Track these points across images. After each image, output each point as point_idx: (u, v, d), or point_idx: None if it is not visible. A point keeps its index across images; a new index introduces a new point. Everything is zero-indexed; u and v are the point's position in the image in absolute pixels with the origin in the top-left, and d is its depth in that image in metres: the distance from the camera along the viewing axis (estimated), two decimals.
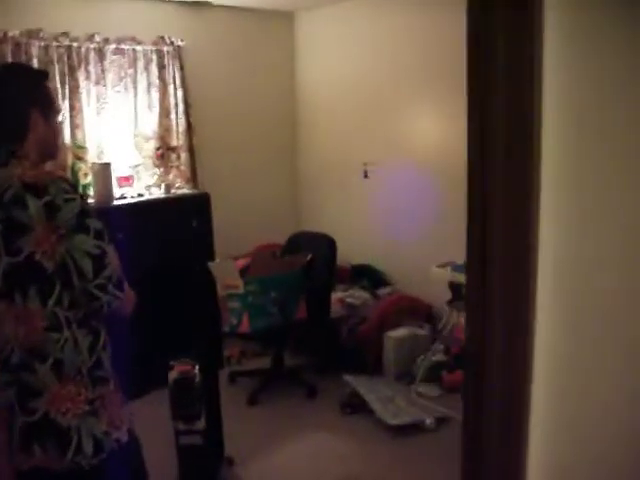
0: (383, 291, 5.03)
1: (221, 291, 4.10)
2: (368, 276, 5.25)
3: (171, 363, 3.08)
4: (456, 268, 3.98)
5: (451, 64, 4.55)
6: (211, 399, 3.32)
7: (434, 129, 4.78)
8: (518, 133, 1.51)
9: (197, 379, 3.04)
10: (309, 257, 4.34)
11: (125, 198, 4.40)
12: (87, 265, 1.71)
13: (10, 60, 4.03)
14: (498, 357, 1.61)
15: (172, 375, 3.03)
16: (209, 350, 3.65)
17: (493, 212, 1.59)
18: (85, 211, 1.74)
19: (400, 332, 4.52)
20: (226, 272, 4.06)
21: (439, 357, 4.41)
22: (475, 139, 1.64)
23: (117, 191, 4.41)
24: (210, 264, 4.17)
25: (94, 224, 1.75)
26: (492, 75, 1.53)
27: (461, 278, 3.87)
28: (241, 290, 3.97)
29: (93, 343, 1.81)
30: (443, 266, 4.08)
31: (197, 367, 3.06)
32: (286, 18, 5.67)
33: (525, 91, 1.47)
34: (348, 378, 4.30)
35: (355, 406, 4.06)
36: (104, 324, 1.87)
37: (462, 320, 4.31)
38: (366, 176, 5.34)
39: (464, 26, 1.57)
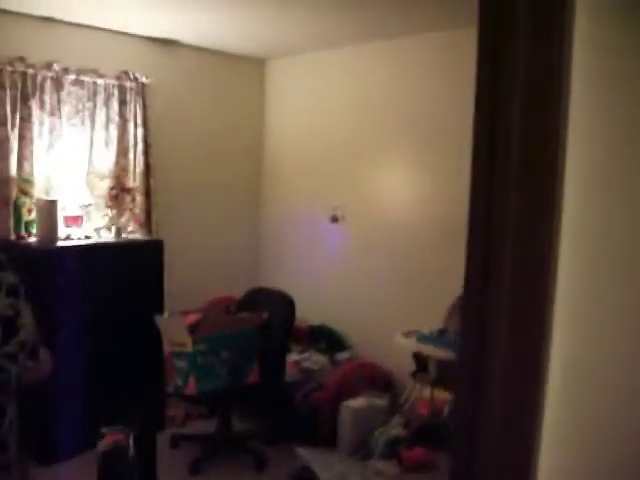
0: (341, 356, 4.74)
1: (167, 348, 3.76)
2: (326, 338, 4.96)
3: (102, 430, 2.71)
4: (421, 338, 3.75)
5: (423, 117, 4.51)
6: (147, 470, 2.96)
7: (407, 185, 4.61)
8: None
9: (130, 450, 2.68)
10: (265, 316, 4.04)
11: (71, 239, 4.06)
12: None
13: None
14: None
15: (102, 445, 2.67)
16: (148, 414, 3.30)
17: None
18: None
19: (358, 402, 4.21)
20: (174, 328, 3.73)
21: (398, 431, 4.10)
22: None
23: (63, 231, 4.07)
24: (157, 318, 3.83)
25: (7, 278, 1.43)
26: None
27: (427, 349, 3.64)
28: (189, 349, 3.64)
29: None
30: (407, 335, 3.82)
31: (131, 436, 2.70)
32: (257, 64, 5.49)
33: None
34: (300, 450, 3.96)
35: None
36: (12, 397, 1.53)
37: (425, 394, 4.06)
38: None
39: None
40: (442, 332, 3.94)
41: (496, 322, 1.49)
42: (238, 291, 4.87)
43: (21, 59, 3.96)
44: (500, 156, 1.43)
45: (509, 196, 1.39)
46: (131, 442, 2.67)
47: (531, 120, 1.38)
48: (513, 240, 1.39)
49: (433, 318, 4.06)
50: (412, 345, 3.73)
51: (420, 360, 3.79)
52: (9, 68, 3.92)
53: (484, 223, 1.46)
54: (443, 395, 4.04)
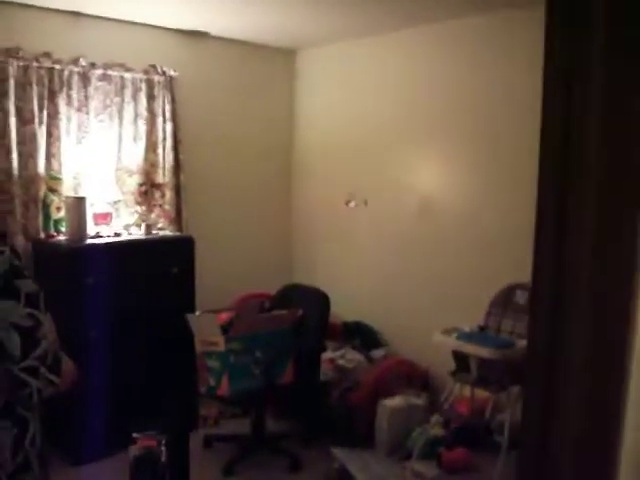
0: (377, 353, 4.61)
1: (199, 347, 3.67)
2: (361, 335, 4.83)
3: (134, 435, 2.63)
4: (462, 336, 3.58)
5: (456, 109, 4.36)
6: (180, 475, 2.88)
7: (447, 177, 4.47)
8: None
9: (163, 456, 2.59)
10: (299, 313, 3.93)
11: (100, 237, 3.98)
12: (13, 341, 1.28)
13: None
14: None
15: (133, 450, 2.58)
16: (181, 418, 3.21)
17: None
18: (15, 269, 1.31)
19: (395, 401, 4.09)
20: (206, 327, 3.63)
21: (437, 431, 3.97)
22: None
23: (92, 229, 4.00)
24: (189, 316, 3.75)
25: (26, 287, 1.32)
26: None
27: (468, 347, 3.48)
28: (222, 348, 3.54)
29: (18, 437, 1.37)
30: (447, 332, 3.67)
31: (164, 442, 2.61)
32: (287, 55, 5.36)
33: None
34: (336, 451, 3.85)
35: None
36: (35, 412, 1.43)
37: (465, 393, 3.91)
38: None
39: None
40: (482, 329, 3.79)
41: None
42: (270, 288, 4.77)
43: (47, 55, 3.90)
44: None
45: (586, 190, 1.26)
46: (163, 448, 2.59)
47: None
48: (591, 236, 1.26)
49: (472, 314, 3.92)
50: (452, 343, 3.58)
51: (460, 359, 3.64)
52: (35, 64, 3.86)
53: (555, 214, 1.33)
54: (484, 395, 3.90)
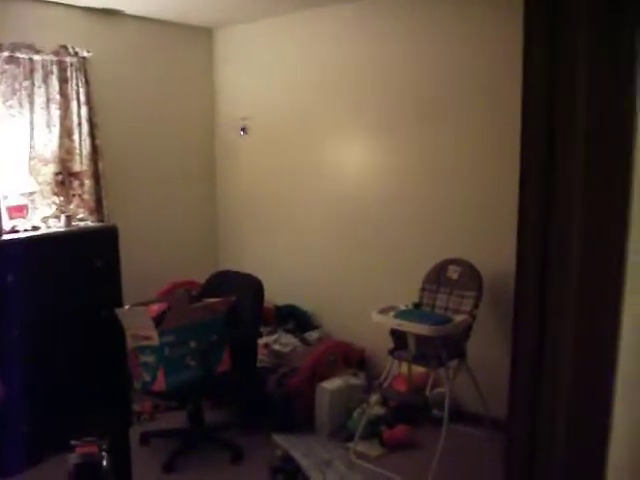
0: (312, 336, 4.57)
1: (131, 343, 3.52)
2: (294, 318, 4.78)
3: (72, 442, 2.48)
4: (399, 315, 3.58)
5: (379, 85, 4.34)
6: (121, 477, 2.75)
7: (374, 157, 4.44)
8: None
9: (104, 462, 2.46)
10: (233, 299, 3.83)
11: (17, 231, 3.74)
12: None
13: None
14: None
15: (72, 458, 2.44)
16: (117, 416, 3.07)
17: None
18: None
19: (335, 383, 4.07)
20: (138, 320, 3.48)
21: (377, 410, 3.98)
22: None
23: (7, 223, 3.75)
24: (118, 311, 3.58)
25: None
26: None
27: (406, 326, 3.48)
28: (156, 342, 3.40)
29: None
30: (384, 312, 3.66)
31: (104, 447, 2.48)
32: (205, 34, 5.18)
33: None
34: (278, 438, 3.81)
35: (288, 472, 3.54)
36: None
37: (403, 371, 3.93)
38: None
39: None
40: (417, 306, 3.81)
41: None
42: (197, 275, 4.64)
43: None
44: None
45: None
46: (104, 453, 2.46)
47: None
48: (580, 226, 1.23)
49: (404, 293, 3.94)
50: (390, 322, 3.57)
51: (398, 337, 3.64)
52: None
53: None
54: (420, 371, 3.93)
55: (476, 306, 3.63)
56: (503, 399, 3.05)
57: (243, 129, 5.02)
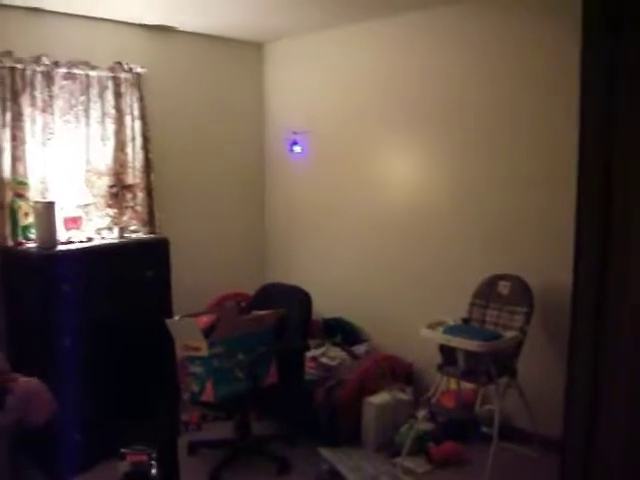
0: (359, 349, 4.55)
1: (181, 353, 3.56)
2: (341, 331, 4.77)
3: (122, 450, 2.53)
4: (449, 330, 3.55)
5: (434, 103, 4.32)
6: None
7: (424, 169, 4.41)
8: None
9: (153, 470, 2.50)
10: (282, 312, 3.84)
11: (72, 242, 3.83)
12: None
13: None
14: None
15: (122, 466, 2.48)
16: (167, 426, 3.11)
17: None
18: None
19: (381, 397, 4.04)
20: (187, 331, 3.52)
21: (425, 426, 3.93)
22: None
23: (63, 234, 3.85)
24: (169, 322, 3.63)
25: None
26: None
27: (455, 342, 3.44)
28: (205, 353, 3.43)
29: None
30: (432, 326, 3.63)
31: (154, 456, 2.52)
32: (255, 48, 5.24)
33: None
34: (324, 452, 3.79)
35: None
36: None
37: (451, 386, 3.88)
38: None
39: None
40: (466, 321, 3.76)
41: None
42: (246, 287, 4.68)
43: (9, 53, 3.72)
44: None
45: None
46: (153, 462, 2.50)
47: None
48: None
49: (452, 307, 3.89)
50: (439, 337, 3.54)
51: (447, 352, 3.60)
52: None
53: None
54: (469, 387, 3.88)
55: (527, 322, 3.57)
56: (553, 418, 3.00)
57: (294, 143, 5.05)
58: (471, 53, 4.03)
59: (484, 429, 3.89)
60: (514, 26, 3.81)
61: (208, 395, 3.48)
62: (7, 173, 3.78)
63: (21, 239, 3.78)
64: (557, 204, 3.64)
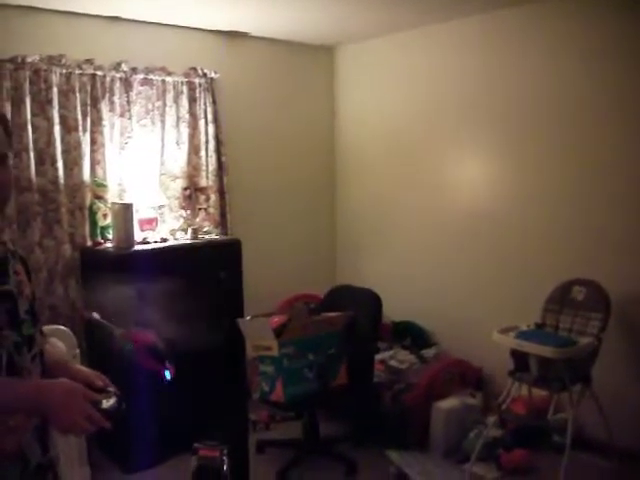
0: (428, 353, 4.52)
1: (252, 352, 3.62)
2: (411, 334, 4.75)
3: (195, 445, 2.58)
4: (521, 335, 3.48)
5: (515, 107, 4.24)
6: None
7: (499, 172, 4.34)
8: None
9: (225, 467, 2.54)
10: (352, 315, 3.85)
11: (147, 243, 3.95)
12: None
13: (28, 88, 3.65)
14: None
15: (195, 461, 2.52)
16: (237, 424, 3.16)
17: None
18: None
19: (450, 402, 4.00)
20: (259, 331, 3.58)
21: (494, 432, 3.87)
22: None
23: (138, 234, 3.97)
24: (240, 321, 3.69)
25: None
26: None
27: (529, 347, 3.37)
28: (275, 353, 3.48)
29: None
30: (505, 331, 3.57)
31: (225, 452, 2.56)
32: (327, 52, 5.28)
33: None
34: (393, 455, 3.78)
35: None
36: None
37: (524, 393, 3.80)
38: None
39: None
40: (539, 327, 3.68)
41: None
42: (316, 288, 4.71)
43: (89, 61, 3.88)
44: None
45: None
46: (225, 458, 2.54)
47: None
48: None
49: (525, 313, 3.82)
50: (512, 342, 3.47)
51: (519, 358, 3.53)
52: (78, 71, 3.84)
53: None
54: (540, 394, 3.79)
55: (603, 329, 3.47)
56: (630, 428, 2.90)
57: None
58: (545, 56, 3.96)
59: (556, 437, 3.80)
60: (590, 24, 3.72)
61: (278, 395, 3.52)
62: (87, 176, 3.93)
63: (99, 239, 3.92)
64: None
